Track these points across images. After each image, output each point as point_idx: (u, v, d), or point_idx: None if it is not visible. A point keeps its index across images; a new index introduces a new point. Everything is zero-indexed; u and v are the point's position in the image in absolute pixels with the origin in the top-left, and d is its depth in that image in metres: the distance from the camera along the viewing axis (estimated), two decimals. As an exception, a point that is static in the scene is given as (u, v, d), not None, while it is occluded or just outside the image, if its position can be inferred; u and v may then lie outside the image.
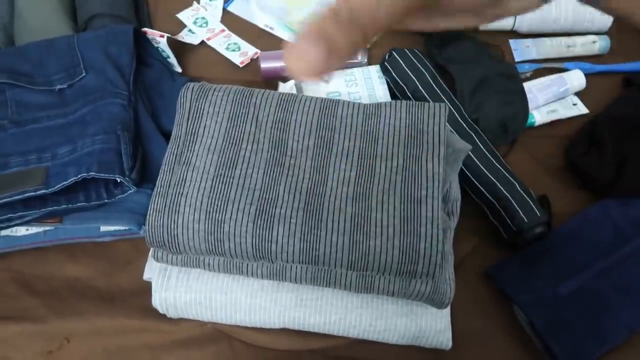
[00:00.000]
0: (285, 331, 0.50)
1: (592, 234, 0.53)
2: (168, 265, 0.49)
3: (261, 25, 0.71)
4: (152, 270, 0.49)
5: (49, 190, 0.47)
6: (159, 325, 0.50)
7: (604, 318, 0.48)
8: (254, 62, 0.68)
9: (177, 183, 0.44)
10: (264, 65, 0.65)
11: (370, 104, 0.49)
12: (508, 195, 0.53)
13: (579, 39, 0.68)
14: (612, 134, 0.57)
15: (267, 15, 0.71)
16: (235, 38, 0.70)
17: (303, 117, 0.47)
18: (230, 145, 0.46)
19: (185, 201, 0.43)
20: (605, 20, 0.69)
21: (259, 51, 0.68)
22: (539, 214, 0.52)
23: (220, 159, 0.45)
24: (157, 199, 0.44)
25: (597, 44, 0.68)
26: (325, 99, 0.49)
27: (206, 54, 0.69)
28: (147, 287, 0.49)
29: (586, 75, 0.65)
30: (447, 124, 0.47)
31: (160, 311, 0.49)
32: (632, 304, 0.49)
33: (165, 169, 0.45)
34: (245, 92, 0.48)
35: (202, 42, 0.69)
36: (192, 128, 0.46)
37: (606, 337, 0.48)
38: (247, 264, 0.45)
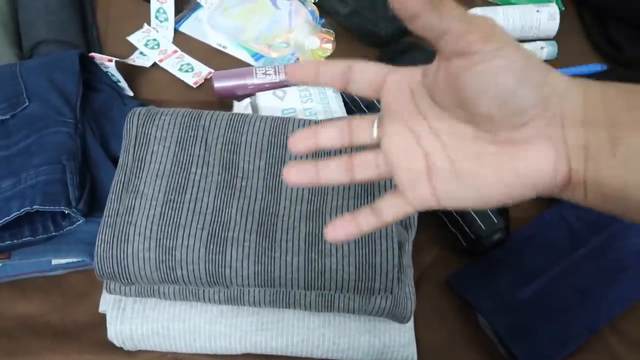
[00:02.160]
0: (247, 356, 0.48)
1: (548, 237, 0.54)
2: (123, 297, 0.47)
3: (214, 45, 0.71)
4: (107, 303, 0.48)
5: (-9, 226, 0.45)
6: (115, 359, 0.48)
7: (564, 320, 0.49)
8: (208, 82, 0.67)
9: (125, 212, 0.43)
10: (218, 84, 0.64)
11: (321, 120, 0.49)
12: (465, 203, 0.54)
13: (527, 45, 0.70)
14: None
15: (219, 34, 0.71)
16: (188, 58, 0.69)
17: (253, 137, 0.47)
18: (179, 169, 0.45)
19: (135, 230, 0.42)
20: (552, 27, 0.70)
21: (212, 71, 0.68)
22: (495, 221, 0.53)
23: (169, 184, 0.44)
24: (105, 229, 0.43)
25: (545, 50, 0.69)
26: (276, 117, 0.49)
27: (159, 76, 0.68)
28: (104, 320, 0.48)
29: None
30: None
31: (117, 344, 0.48)
32: (591, 305, 0.49)
33: (113, 198, 0.44)
34: (193, 114, 0.48)
35: (155, 64, 0.68)
36: (139, 154, 0.45)
37: (567, 339, 0.48)
38: (203, 290, 0.44)
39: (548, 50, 0.70)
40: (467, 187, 0.26)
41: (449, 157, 0.26)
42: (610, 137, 0.23)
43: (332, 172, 0.29)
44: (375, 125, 0.29)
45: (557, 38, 0.71)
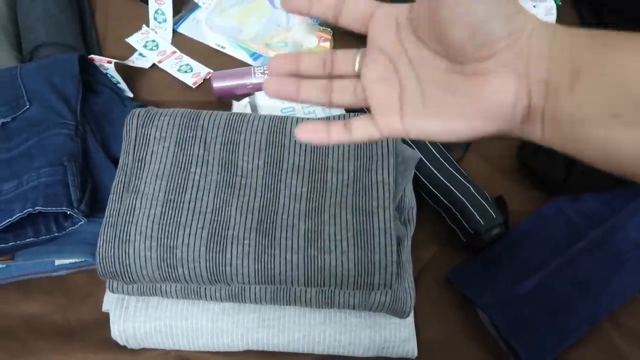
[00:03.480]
0: (249, 353, 0.49)
1: (547, 231, 0.54)
2: (125, 296, 0.48)
3: (212, 45, 0.71)
4: (110, 302, 0.48)
5: (-5, 228, 0.45)
6: (119, 358, 0.49)
7: (563, 314, 0.49)
8: (207, 82, 0.68)
9: (126, 212, 0.43)
10: (217, 84, 0.65)
11: (320, 119, 0.49)
12: (463, 198, 0.54)
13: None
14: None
15: (217, 34, 0.71)
16: (187, 59, 0.69)
17: (252, 136, 0.47)
18: (179, 169, 0.45)
19: (136, 229, 0.43)
20: (549, 21, 0.71)
21: (211, 71, 0.68)
22: (494, 216, 0.53)
23: (169, 184, 0.44)
24: (106, 229, 0.43)
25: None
26: (274, 116, 0.49)
27: (158, 77, 0.68)
28: (107, 319, 0.48)
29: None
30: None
31: (120, 343, 0.48)
32: (589, 298, 0.50)
33: (114, 198, 0.45)
34: (192, 114, 0.48)
35: (154, 65, 0.68)
36: (139, 155, 0.46)
37: (566, 333, 0.48)
38: (205, 288, 0.45)
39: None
40: (433, 117, 0.28)
41: (420, 87, 0.28)
42: (570, 74, 0.24)
43: (312, 90, 0.31)
44: (358, 57, 0.30)
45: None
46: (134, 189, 0.44)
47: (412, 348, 0.48)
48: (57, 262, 0.52)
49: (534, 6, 0.70)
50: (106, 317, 0.49)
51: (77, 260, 0.52)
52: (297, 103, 0.33)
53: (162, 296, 0.46)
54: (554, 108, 0.25)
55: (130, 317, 0.47)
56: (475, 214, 0.53)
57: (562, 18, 0.71)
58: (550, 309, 0.49)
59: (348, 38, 0.70)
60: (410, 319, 0.49)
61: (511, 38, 0.25)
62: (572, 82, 0.24)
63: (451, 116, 0.27)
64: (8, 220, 0.45)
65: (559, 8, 0.71)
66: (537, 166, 0.58)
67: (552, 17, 0.70)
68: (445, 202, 0.55)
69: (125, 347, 0.49)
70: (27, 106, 0.53)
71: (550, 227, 0.54)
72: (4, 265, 0.51)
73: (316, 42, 0.69)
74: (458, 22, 0.25)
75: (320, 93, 0.31)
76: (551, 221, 0.55)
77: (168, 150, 0.46)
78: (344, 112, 0.61)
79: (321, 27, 0.70)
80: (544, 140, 0.26)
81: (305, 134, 0.30)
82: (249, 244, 0.42)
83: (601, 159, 0.25)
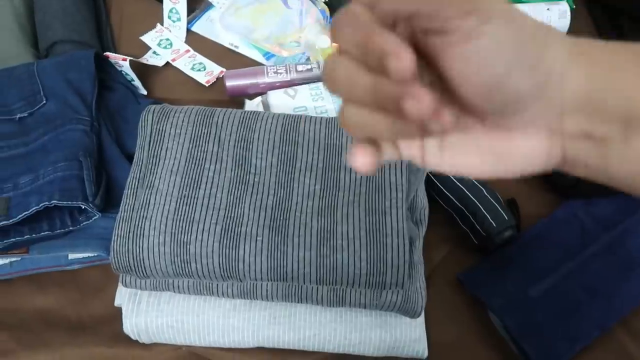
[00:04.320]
0: (260, 350, 0.49)
1: (559, 235, 0.54)
2: (138, 290, 0.48)
3: (226, 44, 0.71)
4: (123, 296, 0.49)
5: (11, 221, 0.46)
6: (131, 352, 0.49)
7: (574, 318, 0.49)
8: (219, 80, 0.68)
9: (140, 207, 0.44)
10: (230, 83, 0.65)
11: (333, 118, 0.49)
12: (476, 201, 0.54)
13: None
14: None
15: (231, 33, 0.72)
16: (200, 58, 0.70)
17: (265, 134, 0.47)
18: (193, 165, 0.45)
19: (150, 224, 0.43)
20: (562, 25, 0.70)
21: (224, 70, 0.68)
22: (506, 218, 0.53)
23: (183, 180, 0.45)
24: (121, 223, 0.44)
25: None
26: (288, 115, 0.49)
27: (172, 75, 0.69)
28: (119, 313, 0.49)
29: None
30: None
31: (132, 337, 0.49)
32: (601, 303, 0.49)
33: (129, 193, 0.45)
34: (206, 112, 0.48)
35: (168, 63, 0.69)
36: (154, 151, 0.46)
37: (578, 337, 0.48)
38: (217, 284, 0.45)
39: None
40: (449, 162, 0.24)
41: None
42: (621, 122, 0.20)
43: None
44: None
45: (568, 36, 0.71)
46: (149, 185, 0.45)
47: (422, 348, 0.48)
48: (71, 256, 0.53)
49: (548, 9, 0.70)
50: (118, 311, 0.49)
51: (90, 255, 0.52)
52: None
53: (175, 291, 0.46)
54: (601, 162, 0.21)
55: (143, 312, 0.47)
56: (488, 216, 0.53)
57: (575, 21, 0.70)
58: (562, 312, 0.49)
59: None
60: (421, 319, 0.49)
61: (539, 90, 0.20)
62: (625, 131, 0.20)
63: (469, 163, 0.23)
64: (24, 213, 0.46)
65: (572, 10, 0.71)
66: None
67: (566, 21, 0.70)
68: (458, 204, 0.55)
69: (136, 341, 0.49)
70: (44, 101, 0.54)
71: (563, 230, 0.54)
72: (19, 259, 0.52)
73: (329, 42, 0.70)
74: (467, 81, 0.20)
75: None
76: (564, 224, 0.54)
77: (183, 146, 0.46)
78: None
79: (334, 28, 0.70)
80: (591, 179, 0.23)
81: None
82: (262, 240, 0.42)
83: None
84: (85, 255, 0.52)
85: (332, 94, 0.21)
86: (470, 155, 0.23)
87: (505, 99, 0.20)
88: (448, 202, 0.56)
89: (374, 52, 0.18)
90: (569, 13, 0.70)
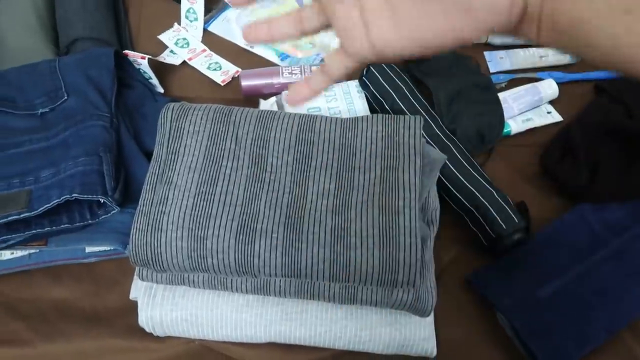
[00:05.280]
0: (271, 345, 0.50)
1: (569, 238, 0.55)
2: (153, 284, 0.49)
3: (241, 44, 0.73)
4: (138, 290, 0.50)
5: (33, 213, 0.47)
6: (145, 344, 0.50)
7: (583, 320, 0.49)
8: (235, 80, 0.69)
9: (159, 202, 0.45)
10: (245, 83, 0.66)
11: (347, 118, 0.50)
12: (486, 202, 0.54)
13: (550, 49, 0.70)
14: (584, 140, 0.59)
15: (247, 34, 0.73)
16: (216, 57, 0.71)
17: (282, 133, 0.48)
18: (210, 163, 0.46)
19: (168, 219, 0.44)
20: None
21: (239, 69, 0.69)
22: (516, 220, 0.53)
23: (201, 177, 0.46)
24: (139, 218, 0.45)
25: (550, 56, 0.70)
26: (304, 114, 0.50)
27: (188, 74, 0.70)
28: (134, 306, 0.50)
29: (559, 83, 0.67)
30: (424, 135, 0.48)
31: (147, 330, 0.50)
32: (610, 306, 0.50)
33: (147, 188, 0.46)
34: (224, 110, 0.49)
35: (184, 62, 0.70)
36: (173, 147, 0.47)
37: (586, 339, 0.49)
38: (231, 280, 0.46)
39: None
40: (406, 27, 0.24)
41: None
42: None
43: (283, 27, 0.31)
44: None
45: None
46: (167, 180, 0.46)
47: (431, 347, 0.49)
48: (88, 249, 0.54)
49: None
50: (133, 304, 0.50)
51: (107, 249, 0.54)
52: (274, 43, 0.33)
53: (190, 286, 0.47)
54: (552, 7, 0.22)
55: (158, 305, 0.48)
56: (498, 218, 0.53)
57: None
58: (570, 315, 0.50)
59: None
60: (431, 318, 0.49)
61: None
62: None
63: (430, 24, 0.24)
64: (45, 205, 0.47)
65: None
66: (560, 173, 0.59)
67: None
68: (468, 205, 0.55)
69: (151, 334, 0.50)
70: (65, 97, 0.55)
71: (572, 233, 0.55)
72: (37, 251, 0.53)
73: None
74: None
75: (292, 26, 0.30)
76: (573, 227, 0.55)
77: (201, 144, 0.47)
78: (368, 112, 0.63)
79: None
80: (540, 41, 0.23)
81: (293, 100, 0.30)
82: (277, 237, 0.43)
83: (607, 58, 0.22)
84: (102, 248, 0.53)
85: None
86: (430, 12, 0.23)
87: None
88: (458, 203, 0.56)
89: None
90: None
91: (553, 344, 0.48)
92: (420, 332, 0.48)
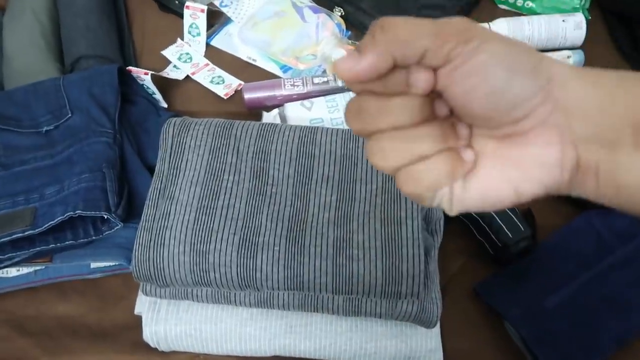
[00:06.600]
0: (276, 359, 0.50)
1: (576, 245, 0.54)
2: (158, 299, 0.49)
3: (244, 58, 0.73)
4: (143, 305, 0.50)
5: (37, 230, 0.47)
6: (150, 359, 0.50)
7: (592, 329, 0.48)
8: (238, 93, 0.69)
9: (161, 217, 0.45)
10: (248, 96, 0.66)
11: (348, 129, 0.50)
12: (492, 211, 0.54)
13: (553, 55, 0.70)
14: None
15: (249, 47, 0.73)
16: (219, 71, 0.71)
17: (283, 146, 0.48)
18: (212, 177, 0.47)
19: (170, 234, 0.44)
20: (578, 36, 0.71)
21: (242, 82, 0.70)
22: (522, 229, 0.53)
23: (203, 191, 0.46)
24: (142, 233, 0.45)
25: (572, 59, 0.69)
26: (305, 127, 0.50)
27: (191, 88, 0.70)
28: (139, 321, 0.50)
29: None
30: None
31: (151, 345, 0.50)
32: (619, 315, 0.49)
33: (150, 204, 0.46)
34: (225, 124, 0.50)
35: (187, 76, 0.71)
36: (175, 162, 0.48)
37: (594, 349, 0.48)
38: (235, 294, 0.46)
39: (574, 59, 0.70)
40: (472, 190, 0.24)
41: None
42: (632, 127, 0.21)
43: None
44: None
45: (584, 47, 0.71)
46: (169, 195, 0.46)
47: (438, 358, 0.48)
48: (93, 265, 0.54)
49: (563, 20, 0.70)
50: (137, 319, 0.50)
51: (111, 264, 0.54)
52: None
53: (193, 300, 0.47)
54: (611, 166, 0.22)
55: (162, 320, 0.48)
56: (504, 227, 0.53)
57: (591, 32, 0.71)
58: (578, 324, 0.49)
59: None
60: (437, 329, 0.49)
61: (543, 91, 0.21)
62: (636, 137, 0.21)
63: (493, 186, 0.24)
64: (50, 223, 0.47)
65: (588, 22, 0.71)
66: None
67: (581, 32, 0.70)
68: (474, 214, 0.55)
69: (155, 349, 0.50)
70: (70, 115, 0.56)
71: (579, 241, 0.54)
72: (43, 267, 0.53)
73: (344, 55, 0.71)
74: (475, 94, 0.21)
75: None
76: (581, 234, 0.54)
77: (202, 158, 0.47)
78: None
79: (350, 41, 0.72)
80: (599, 197, 0.23)
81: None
82: (279, 250, 0.43)
83: None
84: (107, 264, 0.54)
85: (359, 128, 0.23)
86: (492, 174, 0.24)
87: (512, 101, 0.21)
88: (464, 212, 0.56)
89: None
90: (584, 24, 0.70)
91: (562, 353, 0.47)
92: (426, 344, 0.48)
